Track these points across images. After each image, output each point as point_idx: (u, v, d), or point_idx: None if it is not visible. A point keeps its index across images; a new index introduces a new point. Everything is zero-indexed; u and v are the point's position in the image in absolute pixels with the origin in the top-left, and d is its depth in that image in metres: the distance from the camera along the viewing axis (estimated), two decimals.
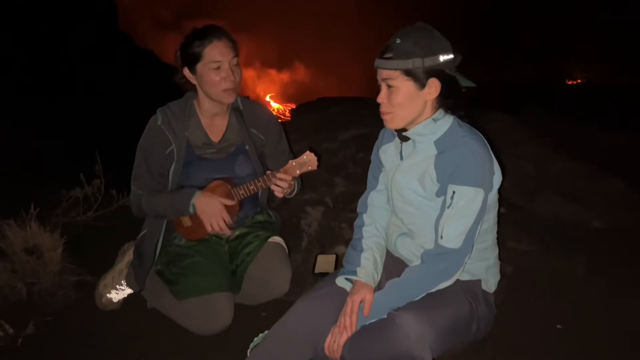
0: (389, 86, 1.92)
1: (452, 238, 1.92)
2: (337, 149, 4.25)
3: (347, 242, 3.02)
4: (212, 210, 2.53)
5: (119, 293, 2.83)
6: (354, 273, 2.10)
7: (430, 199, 2.03)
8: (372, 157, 2.37)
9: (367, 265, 2.13)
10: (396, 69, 1.87)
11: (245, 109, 2.78)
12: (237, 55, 2.55)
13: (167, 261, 2.65)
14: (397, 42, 1.86)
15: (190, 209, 2.54)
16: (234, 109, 2.75)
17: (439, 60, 1.84)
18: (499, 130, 4.45)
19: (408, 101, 1.92)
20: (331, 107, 5.49)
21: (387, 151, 2.23)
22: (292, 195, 2.81)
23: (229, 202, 2.57)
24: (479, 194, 1.90)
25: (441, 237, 1.94)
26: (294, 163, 2.58)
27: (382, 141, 2.28)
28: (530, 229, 3.03)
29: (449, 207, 1.94)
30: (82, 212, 3.54)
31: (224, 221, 2.55)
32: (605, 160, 3.93)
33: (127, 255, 2.89)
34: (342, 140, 4.40)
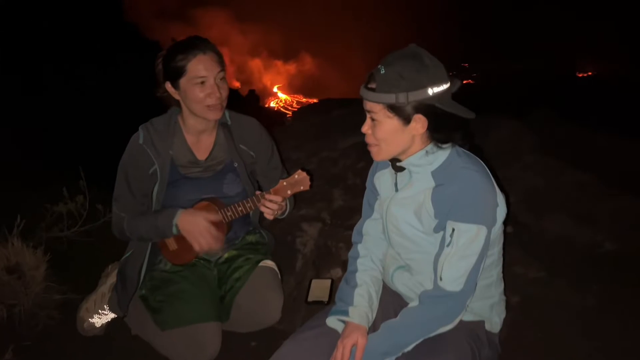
0: (373, 120, 1.75)
1: (453, 280, 1.75)
2: (337, 158, 4.09)
3: (343, 263, 2.88)
4: (197, 228, 2.37)
5: (102, 318, 2.68)
6: (346, 313, 1.93)
7: (428, 233, 1.87)
8: (367, 184, 2.20)
9: (361, 303, 1.97)
10: (379, 103, 1.69)
11: (234, 124, 2.62)
12: (223, 69, 2.38)
13: (151, 287, 2.50)
14: (382, 72, 1.66)
15: (174, 229, 2.39)
16: (222, 125, 2.58)
17: (427, 94, 1.64)
18: (505, 137, 4.27)
19: (392, 136, 1.75)
20: (333, 110, 5.34)
21: (382, 179, 2.06)
22: (284, 215, 2.65)
23: (214, 217, 2.40)
24: (481, 231, 1.73)
25: (440, 279, 1.77)
26: (284, 183, 2.42)
27: (377, 167, 2.11)
28: (538, 252, 2.86)
29: (448, 245, 1.77)
30: (67, 227, 3.39)
31: (213, 237, 2.39)
32: (620, 172, 3.72)
33: (111, 278, 2.74)
34: (343, 148, 4.24)
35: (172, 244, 2.51)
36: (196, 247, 2.39)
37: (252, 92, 37.58)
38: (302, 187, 2.43)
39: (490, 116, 5.23)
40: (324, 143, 4.36)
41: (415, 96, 1.63)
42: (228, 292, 2.52)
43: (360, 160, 4.04)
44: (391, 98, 1.64)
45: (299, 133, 4.69)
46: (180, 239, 2.46)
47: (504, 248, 2.01)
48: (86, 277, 3.00)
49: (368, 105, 1.73)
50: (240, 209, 2.45)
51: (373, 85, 1.68)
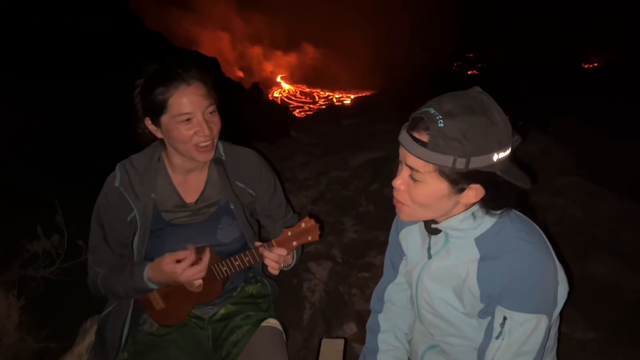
0: (414, 179, 1.35)
1: None
2: (348, 178, 3.71)
3: (357, 315, 2.53)
4: (171, 272, 1.93)
5: None
6: None
7: (470, 315, 1.50)
8: (390, 239, 1.82)
9: None
10: (429, 163, 1.29)
11: (229, 158, 2.22)
12: (213, 102, 1.98)
13: (135, 352, 2.12)
14: (440, 125, 1.24)
15: (152, 286, 2.01)
16: (215, 160, 2.18)
17: (491, 160, 1.25)
18: (534, 155, 3.90)
19: (435, 202, 1.37)
20: (342, 118, 4.97)
21: (410, 237, 1.68)
22: (290, 267, 2.27)
23: (181, 254, 1.97)
24: (542, 322, 1.38)
25: None
26: (289, 233, 2.01)
27: (403, 222, 1.72)
28: (584, 306, 2.48)
29: (498, 337, 1.41)
30: (44, 265, 3.02)
31: (193, 268, 1.96)
32: None
33: (89, 336, 2.39)
34: (354, 166, 3.86)
35: (158, 302, 2.14)
36: (187, 286, 2.06)
37: (255, 84, 37.01)
38: (310, 238, 2.03)
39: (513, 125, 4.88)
40: (334, 160, 3.99)
41: (477, 163, 1.24)
42: (224, 358, 2.14)
43: (374, 181, 3.69)
44: (447, 161, 1.25)
45: (306, 147, 4.31)
46: (167, 295, 2.09)
47: None
48: (66, 321, 2.68)
49: (410, 159, 1.32)
50: (237, 263, 2.07)
51: (424, 138, 1.27)
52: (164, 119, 1.94)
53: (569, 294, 1.49)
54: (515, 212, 1.47)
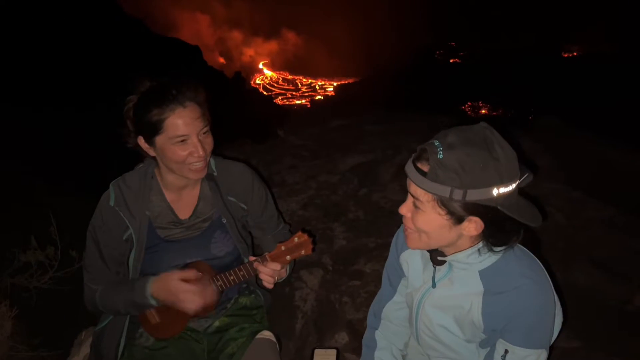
0: (416, 206, 1.40)
1: None
2: (337, 183, 3.74)
3: (349, 325, 2.58)
4: (176, 294, 1.98)
5: None
6: None
7: (470, 341, 1.55)
8: (390, 259, 1.84)
9: None
10: (428, 192, 1.33)
11: (221, 174, 2.24)
12: (207, 122, 1.99)
13: None
14: (439, 155, 1.27)
15: (152, 302, 2.03)
16: (207, 176, 2.19)
17: (490, 194, 1.27)
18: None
19: (436, 231, 1.40)
20: (331, 119, 4.97)
21: (411, 261, 1.71)
22: (283, 279, 2.30)
23: (188, 274, 2.01)
24: (541, 356, 1.45)
25: None
26: (283, 248, 2.05)
27: (403, 246, 1.74)
28: (567, 314, 2.54)
29: None
30: (37, 275, 3.00)
31: (200, 296, 2.01)
32: None
33: (84, 348, 2.40)
34: (343, 170, 3.89)
35: (153, 317, 2.16)
36: (188, 312, 2.04)
37: (237, 74, 36.64)
38: (303, 252, 2.08)
39: (497, 125, 4.95)
40: (323, 163, 4.01)
41: (474, 195, 1.27)
42: None
43: (362, 186, 3.72)
44: (444, 191, 1.28)
45: (295, 149, 4.32)
46: (163, 310, 2.11)
47: None
48: (59, 330, 2.69)
49: (412, 188, 1.37)
50: (232, 277, 2.10)
51: (424, 168, 1.31)
52: (159, 139, 1.94)
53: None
54: (519, 247, 1.50)
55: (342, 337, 2.52)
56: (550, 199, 3.40)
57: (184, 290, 1.98)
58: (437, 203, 1.34)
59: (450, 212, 1.34)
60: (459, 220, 1.36)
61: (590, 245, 3.02)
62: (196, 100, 1.95)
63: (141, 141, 2.01)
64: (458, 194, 1.27)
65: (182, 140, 1.93)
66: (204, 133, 1.99)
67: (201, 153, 1.95)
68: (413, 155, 1.38)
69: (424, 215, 1.38)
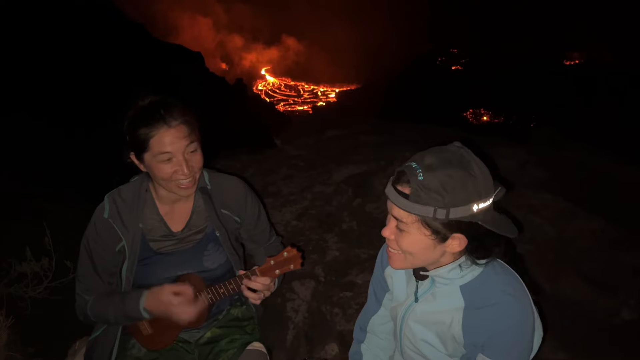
0: (400, 229, 1.44)
1: None
2: (331, 194, 3.78)
3: (339, 336, 2.62)
4: (169, 307, 2.03)
5: None
6: None
7: (452, 356, 1.59)
8: (375, 273, 1.89)
9: None
10: (411, 213, 1.37)
11: (214, 187, 2.29)
12: (193, 140, 2.04)
13: None
14: (420, 177, 1.32)
15: (144, 314, 2.08)
16: (201, 189, 2.25)
17: (471, 211, 1.32)
18: (512, 169, 4.02)
19: (421, 250, 1.45)
20: (327, 129, 5.02)
21: (395, 277, 1.75)
22: (272, 292, 2.35)
23: (181, 288, 2.07)
24: None
25: None
26: (272, 262, 2.10)
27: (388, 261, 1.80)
28: (554, 325, 2.58)
29: None
30: (33, 285, 3.05)
31: (192, 308, 2.06)
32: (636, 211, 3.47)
33: (78, 357, 2.43)
34: (337, 181, 3.93)
35: (145, 328, 2.20)
36: (181, 323, 2.09)
37: (239, 80, 36.76)
38: (292, 266, 2.12)
39: (494, 136, 5.00)
40: (317, 174, 4.06)
41: (457, 213, 1.32)
42: None
43: (356, 196, 3.76)
44: (428, 211, 1.32)
45: (291, 159, 4.38)
46: (155, 322, 2.15)
47: None
48: (54, 339, 2.73)
49: (395, 211, 1.41)
50: (222, 290, 2.14)
51: (406, 190, 1.35)
52: (146, 156, 2.00)
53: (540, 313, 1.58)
54: (499, 263, 1.54)
55: (332, 349, 2.56)
56: (541, 210, 3.44)
57: (177, 303, 2.03)
58: (422, 224, 1.38)
59: (435, 232, 1.38)
60: (443, 238, 1.40)
61: (579, 258, 3.06)
62: (183, 119, 2.00)
63: (132, 157, 2.06)
64: (441, 213, 1.31)
65: (168, 159, 1.98)
66: (191, 152, 2.04)
67: (186, 171, 2.00)
68: (391, 178, 1.42)
69: (408, 236, 1.42)
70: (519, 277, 1.55)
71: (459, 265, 1.49)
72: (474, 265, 1.49)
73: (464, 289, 1.51)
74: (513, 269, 1.57)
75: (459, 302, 1.51)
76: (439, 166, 1.32)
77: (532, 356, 1.54)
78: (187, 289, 2.06)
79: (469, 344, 1.51)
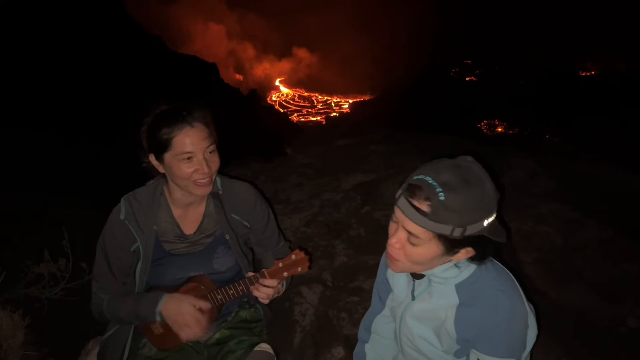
0: (411, 242, 1.46)
1: None
2: (340, 201, 3.84)
3: (346, 340, 2.66)
4: (182, 319, 2.12)
5: None
6: None
7: (448, 352, 1.64)
8: (379, 274, 1.95)
9: None
10: (429, 230, 1.40)
11: (226, 193, 2.36)
12: (213, 142, 2.13)
13: None
14: (440, 197, 1.34)
15: (157, 317, 2.14)
16: (212, 194, 2.33)
17: (482, 226, 1.38)
18: (520, 180, 4.04)
19: (429, 261, 1.50)
20: (337, 138, 5.09)
21: (396, 276, 1.81)
22: (281, 294, 2.41)
23: (204, 305, 2.16)
24: None
25: None
26: (280, 264, 2.16)
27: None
28: (560, 333, 2.61)
29: None
30: (49, 286, 3.14)
31: (200, 327, 2.14)
32: None
33: (91, 357, 2.50)
34: (346, 189, 3.98)
35: (157, 328, 2.27)
36: (182, 338, 2.15)
37: (253, 91, 37.10)
38: (299, 269, 2.17)
39: (505, 147, 5.02)
40: (327, 182, 4.12)
41: (471, 230, 1.37)
42: None
43: (365, 204, 3.81)
44: (446, 230, 1.36)
45: (301, 168, 4.45)
46: (166, 323, 2.21)
47: None
48: (69, 339, 2.79)
49: (410, 226, 1.42)
50: (232, 292, 2.21)
51: (424, 208, 1.37)
52: (167, 156, 2.08)
53: (541, 323, 1.62)
54: (494, 262, 1.60)
55: (339, 352, 2.60)
56: (548, 220, 3.46)
57: (193, 317, 2.10)
58: (436, 239, 1.41)
59: (447, 245, 1.42)
60: (453, 252, 1.46)
61: (586, 267, 3.07)
62: (204, 121, 2.09)
63: (152, 158, 2.15)
64: (458, 232, 1.36)
65: (189, 158, 2.06)
66: (210, 152, 2.12)
67: (206, 170, 2.08)
68: (403, 190, 1.43)
69: (419, 249, 1.45)
70: (511, 275, 1.61)
71: (455, 264, 1.55)
72: (468, 263, 1.55)
73: (458, 287, 1.57)
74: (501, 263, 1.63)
75: (454, 299, 1.57)
76: (459, 186, 1.35)
77: (525, 353, 1.58)
78: (206, 306, 2.14)
79: (461, 339, 1.56)
